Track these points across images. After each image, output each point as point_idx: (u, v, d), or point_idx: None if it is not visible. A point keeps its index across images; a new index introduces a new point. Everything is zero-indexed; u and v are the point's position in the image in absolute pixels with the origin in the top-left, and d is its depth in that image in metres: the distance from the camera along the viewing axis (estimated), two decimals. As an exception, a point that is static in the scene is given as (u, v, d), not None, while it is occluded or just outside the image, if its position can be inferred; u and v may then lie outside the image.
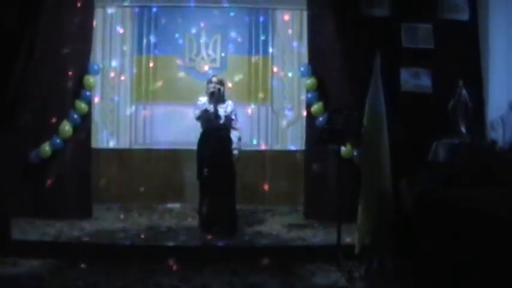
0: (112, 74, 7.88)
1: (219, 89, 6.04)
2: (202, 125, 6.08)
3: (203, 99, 6.04)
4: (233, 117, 6.13)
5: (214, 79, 6.11)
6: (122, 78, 7.93)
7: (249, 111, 7.94)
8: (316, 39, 6.76)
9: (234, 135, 6.12)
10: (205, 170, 5.92)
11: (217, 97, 5.99)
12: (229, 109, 6.09)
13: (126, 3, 7.84)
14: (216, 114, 5.96)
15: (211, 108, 5.94)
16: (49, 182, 6.55)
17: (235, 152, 6.09)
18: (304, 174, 6.96)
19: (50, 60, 6.44)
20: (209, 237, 5.82)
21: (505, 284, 3.56)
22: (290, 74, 7.98)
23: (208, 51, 8.02)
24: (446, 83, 5.95)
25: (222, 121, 6.00)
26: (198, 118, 6.02)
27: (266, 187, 7.80)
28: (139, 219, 6.73)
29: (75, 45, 6.58)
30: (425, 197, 4.90)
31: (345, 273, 4.93)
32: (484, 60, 6.44)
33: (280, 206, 7.50)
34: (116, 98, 7.93)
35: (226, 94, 6.27)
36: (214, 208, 5.95)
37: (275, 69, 8.02)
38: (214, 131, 6.01)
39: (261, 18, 8.00)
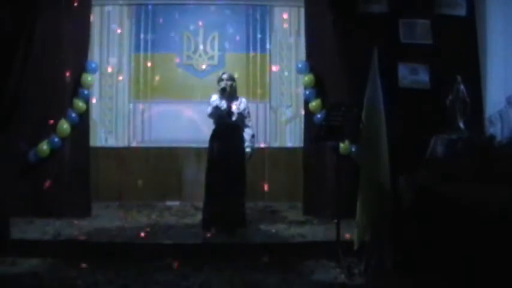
0: (110, 72, 7.88)
1: (231, 85, 6.02)
2: (215, 122, 6.06)
3: (215, 97, 6.02)
4: (246, 114, 6.12)
5: (224, 76, 6.09)
6: (120, 76, 7.92)
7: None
8: (314, 35, 6.76)
9: (247, 132, 6.10)
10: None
11: (229, 93, 5.97)
12: (242, 106, 6.06)
13: (123, 1, 7.83)
14: (229, 111, 5.94)
15: (223, 104, 5.92)
16: (48, 180, 6.54)
17: (247, 150, 6.07)
18: (303, 171, 6.95)
19: (47, 58, 6.43)
20: (210, 234, 5.81)
21: (503, 279, 3.57)
22: (287, 71, 7.99)
23: (206, 49, 8.01)
24: (444, 79, 5.95)
25: (234, 118, 5.98)
26: (210, 115, 6.00)
27: (265, 184, 7.80)
28: (138, 218, 6.72)
29: (72, 44, 6.57)
30: (424, 192, 4.90)
31: (344, 270, 4.94)
32: (481, 55, 6.45)
33: (280, 203, 7.50)
34: (113, 96, 7.92)
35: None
36: (221, 206, 5.89)
37: (273, 66, 8.01)
38: (226, 128, 5.99)
39: (259, 15, 7.99)
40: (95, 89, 7.62)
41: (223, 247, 5.56)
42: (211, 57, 8.02)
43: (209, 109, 5.96)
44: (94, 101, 7.58)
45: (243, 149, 6.04)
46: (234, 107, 5.98)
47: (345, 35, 6.30)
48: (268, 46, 8.02)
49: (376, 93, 5.07)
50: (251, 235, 5.91)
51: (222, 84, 5.99)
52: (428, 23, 6.35)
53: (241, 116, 6.06)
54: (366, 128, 5.10)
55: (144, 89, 7.94)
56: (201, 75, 7.89)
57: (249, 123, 6.17)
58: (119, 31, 7.91)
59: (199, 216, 6.27)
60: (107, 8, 7.88)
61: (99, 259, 5.22)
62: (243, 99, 6.15)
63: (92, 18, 6.90)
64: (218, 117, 5.98)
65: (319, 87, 6.72)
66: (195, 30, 7.98)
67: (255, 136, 6.29)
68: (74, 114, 6.60)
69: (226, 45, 7.99)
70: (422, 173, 5.24)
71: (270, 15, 8.03)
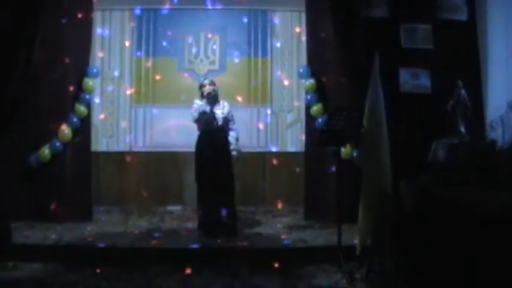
0: (111, 77, 7.90)
1: (213, 90, 6.05)
2: (200, 128, 6.08)
3: (199, 102, 6.05)
4: (230, 117, 6.14)
5: (206, 81, 6.14)
6: (121, 81, 7.94)
7: (249, 112, 7.94)
8: (315, 40, 6.76)
9: (231, 136, 6.13)
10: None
11: (213, 98, 6.00)
12: (225, 110, 6.10)
13: (125, 6, 7.85)
14: (214, 116, 5.97)
15: (208, 110, 5.94)
16: (49, 185, 6.55)
17: (234, 153, 6.10)
18: (304, 176, 6.95)
19: (49, 63, 6.44)
20: (209, 239, 5.82)
21: (504, 283, 3.56)
22: (289, 76, 7.99)
23: (207, 53, 8.02)
24: (445, 83, 5.94)
25: (220, 123, 6.00)
26: (197, 120, 6.02)
27: (266, 188, 7.81)
28: (139, 222, 6.72)
29: (74, 48, 6.59)
30: (425, 197, 4.89)
31: (346, 274, 4.93)
32: (482, 60, 6.45)
33: (281, 208, 7.50)
34: (115, 101, 7.94)
35: (225, 95, 6.29)
36: (214, 210, 5.95)
37: (274, 71, 8.02)
38: (212, 133, 6.01)
39: (260, 20, 8.01)
40: (96, 94, 7.62)
41: (224, 252, 5.55)
42: (213, 62, 8.04)
43: (195, 115, 5.99)
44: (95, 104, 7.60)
45: (230, 153, 6.07)
46: (218, 112, 6.01)
47: (346, 40, 6.30)
48: (269, 51, 8.03)
49: (378, 97, 5.06)
50: (252, 240, 5.91)
51: (207, 89, 6.02)
52: (430, 28, 6.36)
53: (226, 119, 6.08)
54: (367, 133, 5.10)
55: (145, 93, 7.96)
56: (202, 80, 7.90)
57: (233, 127, 6.20)
58: (120, 35, 7.92)
59: (200, 221, 6.29)
60: (109, 13, 7.90)
61: (100, 264, 5.21)
62: (226, 103, 6.18)
63: (93, 22, 6.90)
64: (204, 123, 6.00)
65: (320, 92, 6.73)
66: (197, 35, 8.00)
67: (239, 139, 6.29)
68: (75, 119, 6.61)
69: (228, 50, 8.01)
70: (423, 178, 5.23)
71: (271, 20, 8.03)
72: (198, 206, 6.16)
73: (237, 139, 6.19)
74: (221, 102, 6.15)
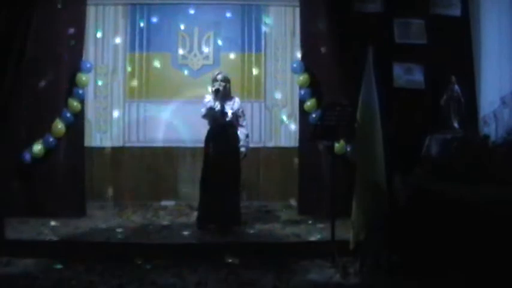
0: (104, 72, 7.87)
1: (225, 86, 6.03)
2: (209, 123, 6.07)
3: (209, 97, 6.03)
4: (240, 114, 6.13)
5: (219, 76, 6.10)
6: (115, 76, 7.91)
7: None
8: (309, 35, 6.76)
9: (241, 132, 6.12)
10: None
11: (223, 94, 5.98)
12: (235, 106, 6.08)
13: (118, 1, 7.83)
14: (222, 112, 5.95)
15: (217, 105, 5.93)
16: (42, 180, 6.52)
17: (242, 149, 6.09)
18: (298, 171, 6.96)
19: (42, 58, 6.41)
20: (206, 233, 5.82)
21: (499, 277, 3.58)
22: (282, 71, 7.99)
23: (201, 48, 8.00)
24: (438, 78, 5.97)
25: (228, 118, 5.99)
26: (204, 116, 6.01)
27: (260, 184, 7.81)
28: (133, 217, 6.71)
29: (67, 43, 6.56)
30: (418, 191, 4.91)
31: (339, 269, 4.94)
32: (476, 55, 6.47)
33: (275, 203, 7.51)
34: (108, 96, 7.91)
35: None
36: (217, 205, 5.92)
37: (268, 66, 8.01)
38: (221, 128, 6.00)
39: (254, 15, 7.99)
40: (90, 89, 7.59)
41: (219, 247, 5.55)
42: (207, 57, 8.02)
43: (203, 110, 5.98)
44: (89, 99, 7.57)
45: (238, 148, 6.06)
46: (227, 108, 5.99)
47: (340, 35, 6.31)
48: (263, 46, 8.02)
49: (371, 92, 5.07)
50: (246, 235, 5.92)
51: (216, 85, 6.00)
52: (423, 23, 6.37)
53: (235, 115, 6.07)
54: (361, 127, 5.11)
55: (139, 88, 7.93)
56: (196, 75, 7.89)
57: (243, 123, 6.18)
58: (113, 30, 7.89)
59: (194, 216, 6.28)
60: (102, 8, 7.87)
61: (94, 259, 5.20)
62: (237, 99, 6.16)
63: (86, 17, 6.88)
64: (212, 118, 5.99)
65: (314, 87, 6.73)
66: (190, 29, 7.97)
67: (249, 136, 6.29)
68: (68, 114, 6.59)
69: (222, 44, 7.99)
70: (417, 172, 5.25)
71: (265, 14, 8.01)
72: (200, 200, 6.11)
73: (246, 135, 6.17)
74: (233, 98, 6.13)
